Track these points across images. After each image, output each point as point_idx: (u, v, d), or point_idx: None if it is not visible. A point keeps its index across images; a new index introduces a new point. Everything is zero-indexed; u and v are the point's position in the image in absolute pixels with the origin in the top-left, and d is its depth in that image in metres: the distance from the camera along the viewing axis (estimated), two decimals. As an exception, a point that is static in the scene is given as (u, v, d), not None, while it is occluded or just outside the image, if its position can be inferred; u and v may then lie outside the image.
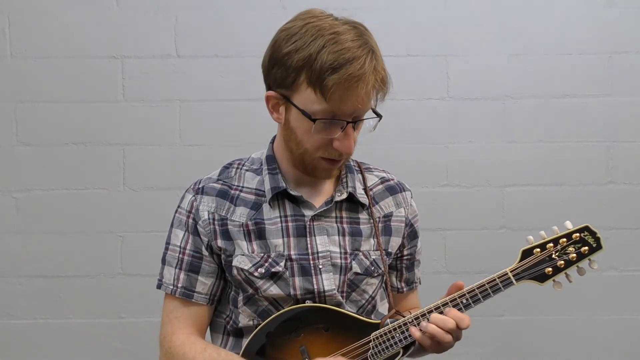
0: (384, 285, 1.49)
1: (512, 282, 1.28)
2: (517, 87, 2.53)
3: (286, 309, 1.36)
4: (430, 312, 1.29)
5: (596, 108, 2.53)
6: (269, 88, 1.35)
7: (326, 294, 1.36)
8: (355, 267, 1.40)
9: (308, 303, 1.36)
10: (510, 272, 1.29)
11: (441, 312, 1.28)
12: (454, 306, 1.29)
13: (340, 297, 1.38)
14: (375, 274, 1.43)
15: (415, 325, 1.30)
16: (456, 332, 1.27)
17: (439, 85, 2.54)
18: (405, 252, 1.53)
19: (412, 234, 1.53)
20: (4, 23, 2.50)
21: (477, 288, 1.29)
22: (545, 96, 2.54)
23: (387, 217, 1.47)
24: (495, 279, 1.28)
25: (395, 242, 1.48)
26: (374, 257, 1.43)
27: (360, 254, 1.41)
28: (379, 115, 1.35)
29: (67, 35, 2.50)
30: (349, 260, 1.39)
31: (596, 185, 2.54)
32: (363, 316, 1.38)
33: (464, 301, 1.29)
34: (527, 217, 2.52)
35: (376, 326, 1.34)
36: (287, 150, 1.38)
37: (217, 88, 2.52)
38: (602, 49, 2.53)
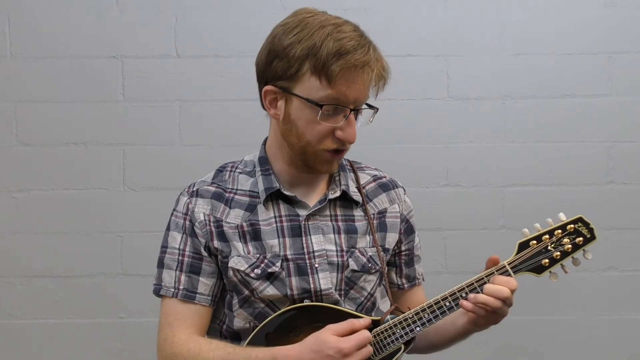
0: (384, 282, 1.49)
1: (510, 274, 1.30)
2: (517, 87, 2.53)
3: (284, 309, 1.36)
4: (436, 302, 1.30)
5: (596, 108, 2.53)
6: (266, 83, 1.35)
7: (323, 292, 1.37)
8: (352, 265, 1.40)
9: (306, 302, 1.36)
10: (508, 264, 1.31)
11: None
12: (455, 303, 1.30)
13: (337, 296, 1.38)
14: (373, 271, 1.43)
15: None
16: (510, 299, 1.28)
17: (439, 85, 2.53)
18: (403, 248, 1.53)
19: (408, 229, 1.53)
20: (4, 23, 2.50)
21: (476, 281, 1.31)
22: (545, 96, 2.53)
23: (382, 213, 1.48)
24: (493, 272, 1.30)
25: (391, 238, 1.48)
26: (370, 253, 1.43)
27: (357, 251, 1.41)
28: (373, 108, 1.37)
29: (67, 35, 2.50)
30: (345, 258, 1.40)
31: (596, 185, 2.53)
32: (362, 313, 1.38)
33: (463, 295, 1.30)
34: (527, 217, 2.47)
35: (376, 323, 1.34)
36: (285, 146, 1.38)
37: (217, 88, 2.52)
38: (602, 49, 2.53)
